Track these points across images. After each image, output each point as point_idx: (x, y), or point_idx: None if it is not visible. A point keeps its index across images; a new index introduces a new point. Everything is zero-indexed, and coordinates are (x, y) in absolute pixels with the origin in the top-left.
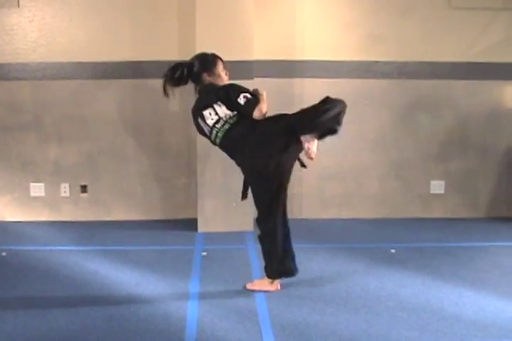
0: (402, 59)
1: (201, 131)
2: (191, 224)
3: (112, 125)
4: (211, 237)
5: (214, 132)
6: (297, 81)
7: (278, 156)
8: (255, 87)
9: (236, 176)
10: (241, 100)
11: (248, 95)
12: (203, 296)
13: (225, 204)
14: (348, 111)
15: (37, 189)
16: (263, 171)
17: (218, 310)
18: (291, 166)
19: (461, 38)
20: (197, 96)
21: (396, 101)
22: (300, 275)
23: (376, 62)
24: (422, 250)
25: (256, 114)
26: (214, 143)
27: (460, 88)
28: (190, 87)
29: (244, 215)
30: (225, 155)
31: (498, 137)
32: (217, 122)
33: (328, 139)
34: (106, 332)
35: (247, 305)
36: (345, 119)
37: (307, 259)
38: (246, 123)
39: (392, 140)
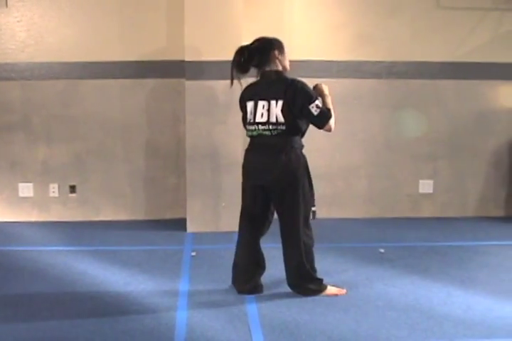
0: (390, 59)
1: (243, 115)
2: (180, 224)
3: (100, 125)
4: (200, 237)
5: (253, 127)
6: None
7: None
8: (317, 83)
9: (225, 176)
10: (313, 109)
11: (320, 104)
12: (192, 296)
13: (214, 204)
14: (337, 110)
15: (26, 189)
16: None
17: (208, 309)
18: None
19: (450, 38)
20: (258, 78)
21: (385, 101)
22: None
23: (365, 62)
24: (411, 249)
25: (326, 128)
26: (247, 130)
27: (448, 88)
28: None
29: (233, 215)
30: (214, 155)
31: (487, 136)
32: (262, 123)
33: (318, 139)
34: (95, 333)
35: (237, 305)
36: (335, 119)
37: None
38: (282, 142)
39: (381, 139)
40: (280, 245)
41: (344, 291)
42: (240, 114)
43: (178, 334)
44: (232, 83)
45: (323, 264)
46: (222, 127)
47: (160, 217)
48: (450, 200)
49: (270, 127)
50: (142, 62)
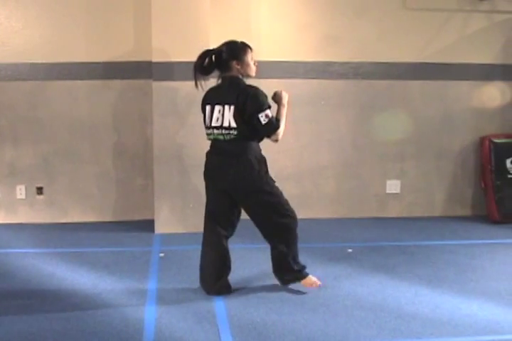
0: (357, 59)
1: (203, 118)
2: (148, 225)
3: (67, 126)
4: (168, 238)
5: (209, 131)
6: (254, 81)
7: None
8: (278, 89)
9: (192, 177)
10: (262, 118)
11: (270, 114)
12: (160, 297)
13: (181, 205)
14: (304, 111)
15: None
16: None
17: (176, 311)
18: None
19: (416, 39)
20: (218, 82)
21: (352, 102)
22: (257, 276)
23: (332, 62)
24: (378, 249)
25: (273, 138)
26: (206, 133)
27: (415, 88)
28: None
29: (201, 216)
30: (181, 156)
31: (453, 137)
32: (216, 127)
33: (285, 140)
34: (63, 335)
35: (205, 305)
36: (302, 119)
37: (264, 259)
38: (235, 147)
39: (349, 140)
40: (247, 246)
41: (318, 284)
42: None
43: (146, 336)
44: (196, 85)
45: None
46: (190, 128)
47: (128, 219)
48: (417, 200)
49: (223, 131)
50: (109, 63)
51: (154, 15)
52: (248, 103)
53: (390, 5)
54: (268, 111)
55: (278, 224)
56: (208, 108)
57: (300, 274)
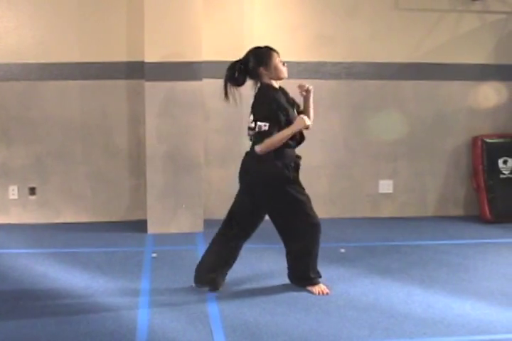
0: (349, 59)
1: None
2: (141, 226)
3: (60, 126)
4: (161, 238)
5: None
6: (247, 82)
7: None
8: (304, 118)
9: (185, 177)
10: (258, 126)
11: (267, 127)
12: (153, 297)
13: (174, 205)
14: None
15: None
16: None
17: (169, 311)
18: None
19: (408, 39)
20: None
21: (344, 102)
22: (250, 276)
23: (324, 62)
24: (371, 249)
25: (256, 149)
26: None
27: (407, 88)
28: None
29: (194, 216)
30: (174, 156)
31: (446, 136)
32: (248, 128)
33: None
34: (56, 335)
35: (198, 306)
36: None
37: (257, 259)
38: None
39: (341, 140)
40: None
41: (327, 291)
42: (198, 116)
43: (139, 336)
44: (227, 97)
45: (283, 265)
46: (182, 128)
47: (120, 219)
48: (410, 200)
49: (250, 132)
50: (102, 63)
51: (147, 15)
52: (253, 109)
53: (382, 5)
54: (262, 124)
55: (293, 231)
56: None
57: (312, 282)
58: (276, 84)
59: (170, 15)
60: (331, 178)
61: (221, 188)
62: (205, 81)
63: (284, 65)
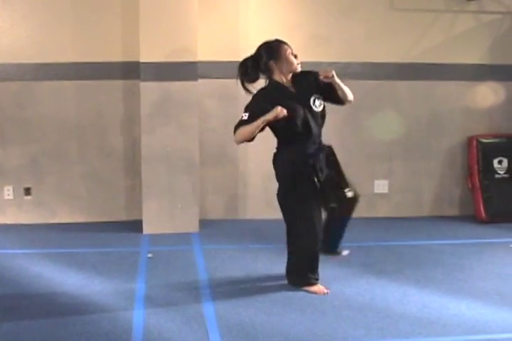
0: (345, 59)
1: None
2: (136, 226)
3: (55, 127)
4: (156, 239)
5: None
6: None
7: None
8: (278, 107)
9: (180, 177)
10: (240, 117)
11: (244, 116)
12: (149, 298)
13: (169, 205)
14: None
15: None
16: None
17: (165, 311)
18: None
19: (404, 39)
20: None
21: None
22: (246, 276)
23: (320, 62)
24: (366, 249)
25: (235, 138)
26: None
27: (403, 88)
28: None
29: (189, 216)
30: (169, 156)
31: (441, 137)
32: None
33: (271, 139)
34: (51, 336)
35: (194, 306)
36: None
37: (253, 260)
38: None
39: (337, 140)
40: (235, 247)
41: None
42: (194, 116)
43: (134, 336)
44: (248, 91)
45: (280, 265)
46: (177, 129)
47: (116, 219)
48: (405, 200)
49: None
50: (97, 63)
51: (142, 14)
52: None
53: (377, 5)
54: (243, 114)
55: (294, 230)
56: None
57: (308, 281)
58: (285, 78)
59: (165, 15)
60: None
61: (216, 188)
62: (201, 81)
63: (296, 57)
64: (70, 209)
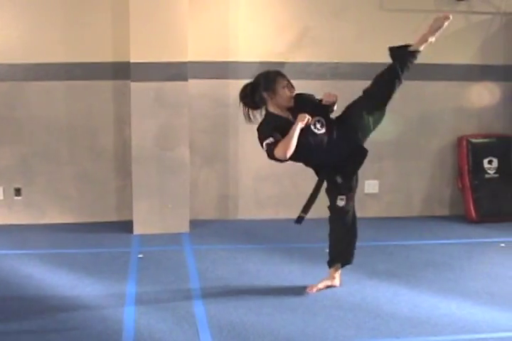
0: (335, 60)
1: None
2: (127, 226)
3: (45, 127)
4: (147, 239)
5: None
6: (232, 82)
7: None
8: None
9: (171, 178)
10: (264, 146)
11: (270, 141)
12: (140, 298)
13: (160, 205)
14: None
15: None
16: None
17: (155, 311)
18: None
19: (393, 40)
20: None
21: None
22: (237, 276)
23: (310, 63)
24: (357, 249)
25: (276, 156)
26: None
27: None
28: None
29: (180, 216)
30: (160, 157)
31: (431, 137)
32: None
33: None
34: (42, 337)
35: (185, 306)
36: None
37: (243, 260)
38: None
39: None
40: (226, 246)
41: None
42: (184, 116)
43: (125, 337)
44: (249, 119)
45: (270, 265)
46: (168, 129)
47: (106, 219)
48: (395, 200)
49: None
50: (87, 63)
51: (132, 15)
52: (259, 138)
53: (367, 6)
54: (267, 140)
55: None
56: None
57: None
58: (280, 110)
59: (155, 15)
60: (316, 178)
61: (207, 189)
62: (191, 81)
63: (290, 91)
64: (61, 209)
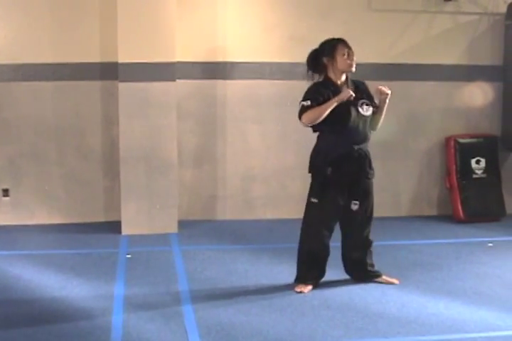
0: None
1: None
2: (115, 227)
3: (33, 127)
4: (135, 239)
5: None
6: (220, 82)
7: None
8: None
9: (159, 178)
10: (300, 106)
11: (305, 103)
12: (128, 298)
13: (148, 206)
14: (270, 112)
15: None
16: None
17: (144, 312)
18: None
19: (382, 40)
20: None
21: None
22: (225, 276)
23: (298, 63)
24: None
25: (302, 121)
26: None
27: None
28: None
29: (168, 217)
30: (148, 157)
31: (419, 137)
32: None
33: (252, 140)
34: (30, 337)
35: (173, 306)
36: (269, 120)
37: (232, 260)
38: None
39: (315, 140)
40: (214, 247)
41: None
42: (172, 117)
43: (113, 338)
44: (310, 79)
45: (258, 265)
46: (156, 129)
47: (94, 220)
48: (383, 200)
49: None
50: (75, 64)
51: (120, 15)
52: None
53: (355, 6)
54: (304, 102)
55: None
56: None
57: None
58: (338, 77)
59: (143, 15)
60: (304, 179)
61: (195, 189)
62: (179, 82)
63: (349, 57)
64: (49, 210)
